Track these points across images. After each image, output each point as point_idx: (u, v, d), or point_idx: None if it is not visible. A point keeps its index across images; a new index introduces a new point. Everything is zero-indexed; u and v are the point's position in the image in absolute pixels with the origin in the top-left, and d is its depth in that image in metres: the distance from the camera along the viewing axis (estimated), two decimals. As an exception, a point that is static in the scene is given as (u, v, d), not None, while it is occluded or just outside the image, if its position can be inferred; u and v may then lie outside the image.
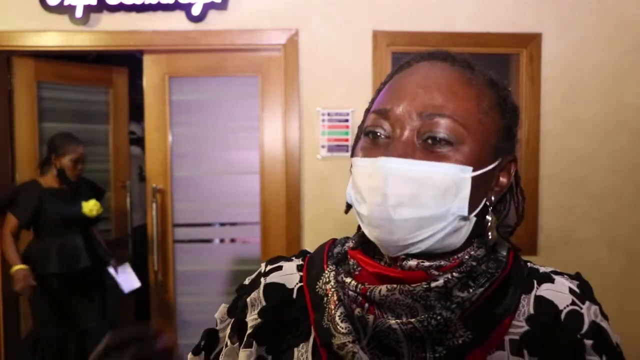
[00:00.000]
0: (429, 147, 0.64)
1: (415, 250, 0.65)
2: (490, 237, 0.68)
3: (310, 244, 2.94)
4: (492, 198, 0.69)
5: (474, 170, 0.64)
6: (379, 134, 0.66)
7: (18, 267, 2.84)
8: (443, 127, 0.63)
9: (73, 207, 2.99)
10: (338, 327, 0.66)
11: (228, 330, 0.77)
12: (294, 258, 0.81)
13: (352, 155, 0.72)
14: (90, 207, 3.02)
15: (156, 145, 3.12)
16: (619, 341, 0.68)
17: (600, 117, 2.97)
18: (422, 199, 0.63)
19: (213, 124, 3.18)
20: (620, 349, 0.68)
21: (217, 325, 0.80)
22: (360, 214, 0.67)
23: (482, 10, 2.92)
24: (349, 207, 0.73)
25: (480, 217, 0.68)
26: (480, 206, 0.68)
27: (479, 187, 0.66)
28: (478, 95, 0.67)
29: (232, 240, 3.29)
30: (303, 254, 0.81)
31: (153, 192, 3.11)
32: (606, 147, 2.98)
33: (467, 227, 0.67)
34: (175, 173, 3.16)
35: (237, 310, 0.78)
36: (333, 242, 0.79)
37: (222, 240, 3.29)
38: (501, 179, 0.71)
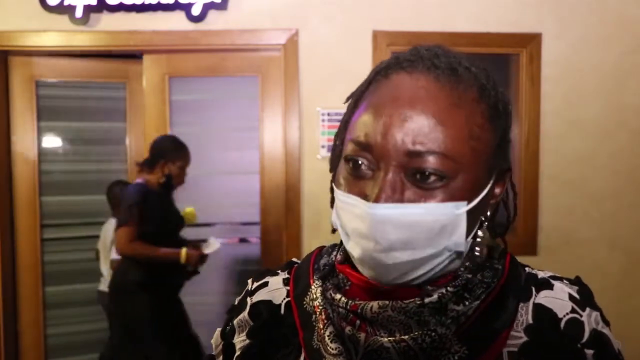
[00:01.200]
0: (418, 183, 0.59)
1: (413, 283, 0.62)
2: (478, 254, 0.65)
3: (310, 244, 2.94)
4: (488, 213, 0.66)
5: (468, 202, 0.60)
6: (360, 163, 0.61)
7: (183, 252, 2.76)
8: (432, 164, 0.58)
9: (173, 213, 2.92)
10: (328, 347, 0.64)
11: (221, 356, 0.76)
12: (279, 271, 0.78)
13: (333, 175, 0.67)
14: (194, 213, 2.96)
15: (156, 145, 3.12)
16: (620, 348, 0.66)
17: (600, 117, 2.97)
18: (416, 242, 0.58)
19: (213, 124, 3.18)
20: (621, 356, 0.66)
21: (213, 351, 0.78)
22: (350, 252, 0.63)
23: (482, 10, 2.92)
24: (335, 228, 0.70)
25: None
26: (477, 226, 0.64)
27: (475, 213, 0.62)
28: (468, 117, 0.60)
29: (240, 240, 3.29)
30: (290, 265, 0.78)
31: (153, 192, 3.11)
32: (606, 147, 2.98)
33: (465, 251, 0.63)
34: (175, 173, 3.17)
35: (226, 334, 0.76)
36: (319, 252, 0.76)
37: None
38: (496, 190, 0.67)
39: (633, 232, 3.01)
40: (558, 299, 0.65)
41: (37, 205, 3.16)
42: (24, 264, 3.17)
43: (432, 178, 0.58)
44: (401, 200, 0.59)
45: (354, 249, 0.62)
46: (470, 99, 0.61)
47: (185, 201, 3.15)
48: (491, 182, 0.64)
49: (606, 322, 0.66)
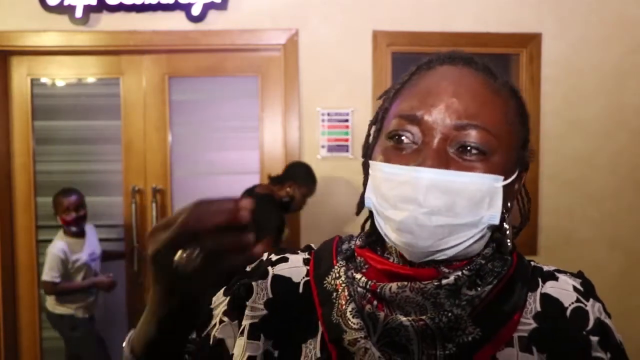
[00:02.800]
0: (461, 156, 0.63)
1: (441, 256, 0.65)
2: (509, 244, 0.69)
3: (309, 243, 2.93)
4: (509, 205, 0.70)
5: (504, 180, 0.65)
6: (404, 138, 0.65)
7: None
8: (477, 137, 0.63)
9: (280, 228, 2.90)
10: (349, 322, 0.66)
11: (222, 308, 0.75)
12: (299, 251, 0.80)
13: (368, 157, 0.71)
14: (286, 233, 2.97)
15: (156, 145, 3.12)
16: (621, 339, 0.69)
17: (600, 117, 2.97)
18: (457, 208, 0.62)
19: (213, 124, 3.18)
20: (623, 347, 0.69)
21: (211, 304, 0.78)
22: (390, 218, 0.65)
23: (482, 10, 2.92)
24: (360, 209, 0.72)
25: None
26: (500, 214, 0.68)
27: (505, 194, 0.66)
28: (505, 106, 0.67)
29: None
30: (308, 248, 0.81)
31: (153, 192, 3.11)
32: (606, 147, 2.98)
33: (489, 234, 0.68)
34: (175, 173, 3.16)
35: (236, 290, 0.75)
36: (340, 239, 0.79)
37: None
38: (516, 186, 0.72)
39: (633, 232, 3.01)
40: (563, 289, 0.69)
41: (32, 205, 3.15)
42: (21, 265, 3.17)
43: (474, 152, 0.63)
44: (446, 167, 0.63)
45: (397, 214, 0.64)
46: (505, 92, 0.68)
47: (185, 201, 3.15)
48: (517, 173, 0.69)
49: (608, 314, 0.70)
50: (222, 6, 2.89)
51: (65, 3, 2.85)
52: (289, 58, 2.92)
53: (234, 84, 3.15)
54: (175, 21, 2.90)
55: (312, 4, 2.91)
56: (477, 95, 0.65)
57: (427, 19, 2.91)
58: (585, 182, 2.99)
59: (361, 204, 0.72)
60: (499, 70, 0.71)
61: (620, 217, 3.01)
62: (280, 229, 2.91)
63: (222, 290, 0.78)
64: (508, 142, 0.66)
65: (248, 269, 0.78)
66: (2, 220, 3.08)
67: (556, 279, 0.71)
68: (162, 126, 3.12)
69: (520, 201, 0.76)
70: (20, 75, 3.10)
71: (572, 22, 2.94)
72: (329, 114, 2.93)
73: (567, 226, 3.00)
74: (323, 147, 2.95)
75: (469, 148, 0.63)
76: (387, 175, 0.65)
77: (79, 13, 2.86)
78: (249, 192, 2.85)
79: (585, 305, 0.68)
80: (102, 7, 2.87)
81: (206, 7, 2.88)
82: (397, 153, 0.65)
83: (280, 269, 0.76)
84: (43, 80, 3.15)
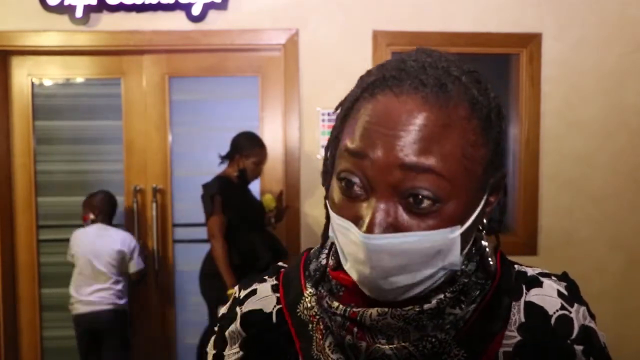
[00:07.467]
0: (411, 208, 0.57)
1: (411, 297, 0.62)
2: (491, 263, 0.66)
3: (309, 244, 2.93)
4: (484, 221, 0.65)
5: (462, 224, 0.59)
6: (353, 182, 0.59)
7: (230, 291, 2.66)
8: (426, 184, 0.56)
9: (251, 203, 2.94)
10: (329, 358, 0.64)
11: None
12: (267, 277, 0.76)
13: (326, 189, 0.66)
14: (271, 198, 2.97)
15: (156, 145, 3.12)
16: (604, 340, 0.68)
17: (600, 117, 2.97)
18: (412, 267, 0.58)
19: (213, 124, 3.18)
20: (606, 349, 0.68)
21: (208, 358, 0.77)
22: (349, 273, 0.62)
23: (482, 10, 2.92)
24: (325, 241, 0.69)
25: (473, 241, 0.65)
26: (472, 238, 0.64)
27: (470, 229, 0.61)
28: (460, 136, 0.58)
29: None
30: (276, 270, 0.76)
31: (153, 192, 3.11)
32: (606, 147, 2.98)
33: (459, 267, 0.64)
34: (175, 173, 3.17)
35: (218, 344, 0.75)
36: (307, 256, 0.74)
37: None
38: (491, 199, 0.65)
39: (633, 232, 3.01)
40: (548, 296, 0.67)
41: (33, 205, 3.15)
42: (21, 264, 3.17)
43: (426, 202, 0.57)
44: (395, 225, 0.57)
45: (352, 273, 0.61)
46: (461, 117, 0.58)
47: (185, 201, 3.16)
48: (485, 196, 0.63)
49: (592, 316, 0.68)
50: (223, 6, 2.89)
51: (66, 3, 2.85)
52: (289, 58, 2.92)
53: (234, 84, 3.15)
54: (176, 21, 2.91)
55: (312, 4, 2.91)
56: (424, 137, 0.56)
57: (427, 19, 2.91)
58: (585, 182, 2.99)
59: (325, 236, 0.68)
60: (466, 66, 0.62)
61: (620, 216, 3.01)
62: (252, 203, 2.93)
63: (213, 342, 0.76)
64: (466, 180, 0.58)
65: (225, 310, 0.76)
66: (2, 220, 3.08)
67: (540, 284, 0.68)
68: (162, 126, 3.12)
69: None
70: (21, 75, 3.10)
71: (572, 22, 2.94)
72: (329, 114, 2.94)
73: (567, 226, 3.00)
74: (323, 147, 2.95)
75: (419, 197, 0.56)
76: (340, 228, 0.61)
77: (79, 13, 2.86)
78: (206, 186, 2.88)
79: (570, 312, 0.66)
80: (102, 7, 2.87)
81: (206, 7, 2.88)
82: (349, 203, 0.60)
83: (249, 305, 0.73)
84: (43, 80, 3.15)
